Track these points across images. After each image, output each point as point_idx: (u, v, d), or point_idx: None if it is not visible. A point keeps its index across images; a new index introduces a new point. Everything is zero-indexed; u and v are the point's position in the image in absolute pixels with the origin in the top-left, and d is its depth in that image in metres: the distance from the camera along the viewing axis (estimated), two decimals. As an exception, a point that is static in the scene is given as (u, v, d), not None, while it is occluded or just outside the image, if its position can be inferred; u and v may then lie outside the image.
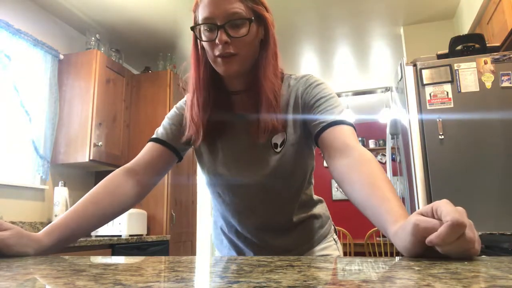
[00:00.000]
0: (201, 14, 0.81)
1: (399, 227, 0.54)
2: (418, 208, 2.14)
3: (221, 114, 0.90)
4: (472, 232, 0.46)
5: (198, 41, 0.88)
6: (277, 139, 0.88)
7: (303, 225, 0.95)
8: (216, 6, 0.79)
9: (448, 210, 0.46)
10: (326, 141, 0.80)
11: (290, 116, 0.88)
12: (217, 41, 0.79)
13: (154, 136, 0.97)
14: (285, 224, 0.93)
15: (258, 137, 0.86)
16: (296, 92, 0.89)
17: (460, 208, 0.48)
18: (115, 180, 0.88)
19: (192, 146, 0.98)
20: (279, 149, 0.88)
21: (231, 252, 0.99)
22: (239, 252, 0.97)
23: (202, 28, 0.83)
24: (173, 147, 0.95)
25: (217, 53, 0.81)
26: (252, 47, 0.84)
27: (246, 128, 0.88)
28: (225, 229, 0.98)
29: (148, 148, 0.95)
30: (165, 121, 0.99)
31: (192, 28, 0.86)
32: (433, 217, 0.48)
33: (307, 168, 0.94)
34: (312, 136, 0.85)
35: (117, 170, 0.90)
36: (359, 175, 0.69)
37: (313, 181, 1.00)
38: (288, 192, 0.91)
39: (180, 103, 1.00)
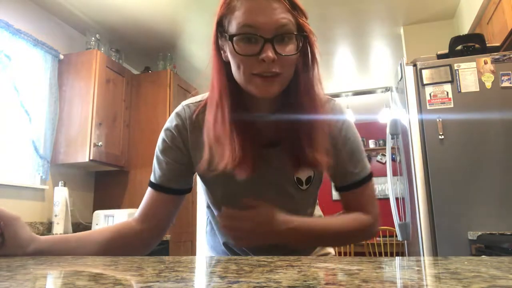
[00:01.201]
0: (240, 20, 0.67)
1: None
2: (418, 208, 2.14)
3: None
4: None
5: (220, 50, 0.74)
6: (302, 175, 0.78)
7: None
8: (264, 14, 0.66)
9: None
10: (348, 198, 0.83)
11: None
12: (264, 57, 0.65)
13: (151, 179, 0.84)
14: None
15: (283, 171, 0.75)
16: (334, 130, 0.79)
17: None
18: (127, 236, 0.80)
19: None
20: (304, 187, 0.79)
21: None
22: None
23: (237, 38, 0.67)
24: (174, 189, 0.82)
25: (256, 71, 0.67)
26: (294, 67, 0.73)
27: (273, 159, 0.77)
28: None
29: (148, 197, 0.83)
30: (159, 156, 0.82)
31: (219, 34, 0.72)
32: None
33: (317, 195, 0.92)
34: (335, 183, 0.83)
35: (129, 226, 0.82)
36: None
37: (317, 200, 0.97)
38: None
39: (168, 126, 0.82)
